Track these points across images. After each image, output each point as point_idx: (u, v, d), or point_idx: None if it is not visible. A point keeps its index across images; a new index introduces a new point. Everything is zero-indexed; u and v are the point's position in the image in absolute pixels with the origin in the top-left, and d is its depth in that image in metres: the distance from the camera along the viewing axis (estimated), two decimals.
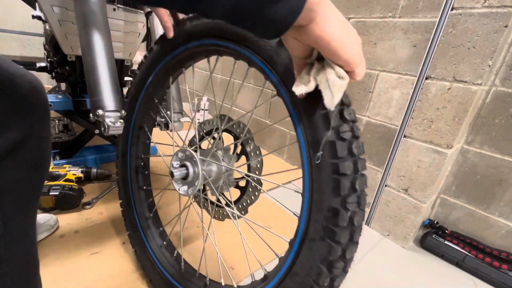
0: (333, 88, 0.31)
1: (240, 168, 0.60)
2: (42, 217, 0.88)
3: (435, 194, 1.16)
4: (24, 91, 0.38)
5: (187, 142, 0.69)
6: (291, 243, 0.45)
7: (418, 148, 1.08)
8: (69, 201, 0.99)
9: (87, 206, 1.05)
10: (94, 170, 1.20)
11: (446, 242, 1.09)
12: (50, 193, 0.96)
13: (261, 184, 0.59)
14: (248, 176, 0.59)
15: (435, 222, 1.18)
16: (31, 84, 0.39)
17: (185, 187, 0.60)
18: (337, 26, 0.29)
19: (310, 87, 0.33)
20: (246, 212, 0.61)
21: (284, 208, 0.54)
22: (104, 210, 1.05)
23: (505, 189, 1.02)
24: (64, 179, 1.10)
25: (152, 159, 0.86)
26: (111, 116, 0.84)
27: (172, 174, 0.57)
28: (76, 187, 1.02)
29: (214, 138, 0.65)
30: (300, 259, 0.42)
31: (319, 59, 0.33)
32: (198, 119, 2.43)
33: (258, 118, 1.99)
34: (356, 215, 0.37)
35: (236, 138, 0.62)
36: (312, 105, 0.38)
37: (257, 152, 0.60)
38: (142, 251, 0.76)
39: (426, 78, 1.04)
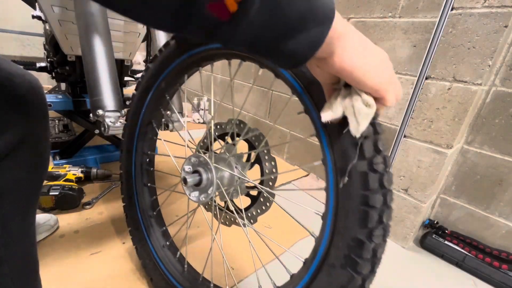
0: (358, 116, 0.31)
1: (252, 177, 0.59)
2: (42, 217, 0.88)
3: (435, 194, 1.16)
4: (23, 91, 0.38)
5: (196, 144, 0.67)
6: (307, 263, 0.45)
7: (418, 148, 1.08)
8: (69, 201, 0.99)
9: (87, 206, 1.05)
10: (94, 170, 1.20)
11: (446, 242, 1.09)
12: (50, 193, 0.96)
13: (273, 196, 0.57)
14: (261, 186, 0.57)
15: (435, 222, 1.18)
16: (30, 84, 0.39)
17: (196, 193, 0.58)
18: (359, 55, 0.29)
19: (336, 114, 0.32)
20: (255, 221, 0.60)
21: (294, 219, 0.52)
22: (104, 210, 1.05)
23: (505, 189, 1.02)
24: (64, 179, 1.10)
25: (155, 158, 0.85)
26: (111, 116, 0.84)
27: (185, 180, 0.55)
28: (76, 187, 1.02)
29: (228, 143, 0.62)
30: (317, 282, 0.41)
31: (346, 85, 0.32)
32: (198, 119, 2.43)
33: (258, 118, 1.99)
34: (380, 247, 0.37)
35: (251, 146, 0.60)
36: (344, 130, 0.36)
37: (272, 163, 0.58)
38: (143, 249, 0.76)
39: (426, 78, 1.04)
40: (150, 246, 0.74)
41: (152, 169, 0.80)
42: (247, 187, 0.62)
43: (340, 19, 0.27)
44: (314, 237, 0.45)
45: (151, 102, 0.71)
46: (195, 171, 0.57)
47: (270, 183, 0.58)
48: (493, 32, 0.88)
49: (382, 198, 0.35)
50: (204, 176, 0.56)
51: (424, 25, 1.05)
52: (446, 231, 1.13)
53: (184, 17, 0.23)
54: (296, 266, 0.49)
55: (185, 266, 0.70)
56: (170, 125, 0.99)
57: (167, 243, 0.75)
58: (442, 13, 0.95)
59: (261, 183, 0.59)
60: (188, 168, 0.59)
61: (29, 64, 1.58)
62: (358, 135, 0.32)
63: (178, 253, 0.73)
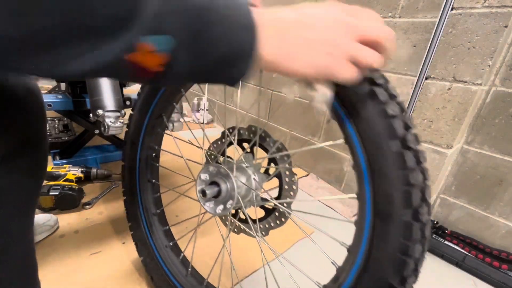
0: (311, 101, 0.34)
1: (269, 189, 0.56)
2: (42, 217, 0.88)
3: (435, 194, 1.16)
4: (19, 94, 0.37)
5: (207, 145, 0.64)
6: None
7: None
8: (69, 201, 0.99)
9: (87, 206, 1.05)
10: (94, 170, 1.20)
11: (446, 242, 1.09)
12: (50, 193, 0.96)
13: (290, 213, 0.55)
14: (278, 201, 0.55)
15: (435, 222, 1.18)
16: (27, 86, 0.38)
17: (212, 204, 0.54)
18: (298, 54, 0.30)
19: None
20: (267, 233, 0.58)
21: (323, 252, 0.50)
22: (104, 210, 1.05)
23: (505, 189, 1.02)
24: (64, 179, 1.10)
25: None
26: (111, 116, 0.84)
27: (204, 193, 0.50)
28: (76, 187, 1.02)
29: (247, 152, 0.59)
30: None
31: None
32: (198, 119, 2.43)
33: (258, 118, 1.99)
34: None
35: (272, 158, 0.57)
36: (392, 162, 0.34)
37: (293, 179, 0.55)
38: (144, 247, 0.74)
39: (426, 78, 1.04)
40: (151, 244, 0.73)
41: (157, 165, 0.78)
42: (263, 199, 0.59)
43: (268, 40, 0.28)
44: (336, 266, 0.45)
45: (165, 94, 0.66)
46: (213, 182, 0.52)
47: (289, 200, 0.56)
48: (493, 32, 0.88)
49: (421, 247, 0.35)
50: (224, 188, 0.52)
51: (424, 25, 1.05)
52: (446, 231, 1.13)
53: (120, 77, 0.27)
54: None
55: (189, 269, 0.68)
56: (170, 125, 0.99)
57: (170, 243, 0.73)
58: (442, 13, 0.95)
59: (279, 197, 0.56)
60: (204, 176, 0.55)
61: None
62: (321, 112, 0.35)
63: (182, 254, 0.71)
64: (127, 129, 0.76)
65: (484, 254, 1.02)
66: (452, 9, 0.95)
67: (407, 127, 0.34)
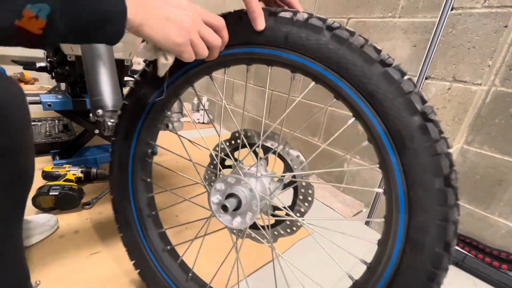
0: (159, 64, 0.43)
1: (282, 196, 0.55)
2: (42, 217, 0.88)
3: None
4: (1, 100, 0.35)
5: (211, 146, 0.62)
6: None
7: None
8: (69, 201, 0.99)
9: (87, 206, 1.05)
10: (94, 170, 1.20)
11: None
12: (50, 193, 0.96)
13: (304, 223, 0.53)
14: (290, 212, 0.54)
15: None
16: (7, 90, 0.37)
17: (226, 215, 0.51)
18: (160, 26, 0.38)
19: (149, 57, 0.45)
20: (275, 241, 0.57)
21: (339, 266, 0.49)
22: (104, 210, 1.05)
23: (505, 189, 1.02)
24: (64, 179, 1.10)
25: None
26: (111, 116, 0.84)
27: (225, 208, 0.46)
28: (76, 187, 1.02)
29: (260, 158, 0.57)
30: None
31: None
32: (198, 119, 2.43)
33: (258, 118, 1.99)
34: None
35: (287, 165, 0.55)
36: (433, 198, 0.36)
37: (309, 191, 0.53)
38: (138, 251, 0.70)
39: (426, 78, 1.04)
40: (146, 248, 0.69)
41: (151, 162, 0.72)
42: (274, 207, 0.57)
43: (139, 9, 0.34)
44: (353, 280, 0.45)
45: (172, 88, 0.59)
46: (231, 194, 0.49)
47: (302, 210, 0.54)
48: (493, 32, 0.88)
49: (446, 273, 0.38)
50: (244, 202, 0.49)
51: (424, 25, 1.05)
52: None
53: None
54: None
55: (190, 274, 0.66)
56: (170, 125, 0.99)
57: (168, 247, 0.70)
58: (442, 13, 0.95)
59: (292, 206, 0.55)
60: (220, 185, 0.52)
61: (29, 64, 1.58)
62: (160, 76, 0.44)
63: (180, 259, 0.69)
64: (118, 119, 0.68)
65: (484, 254, 1.02)
66: (452, 9, 0.95)
67: (451, 165, 0.35)
